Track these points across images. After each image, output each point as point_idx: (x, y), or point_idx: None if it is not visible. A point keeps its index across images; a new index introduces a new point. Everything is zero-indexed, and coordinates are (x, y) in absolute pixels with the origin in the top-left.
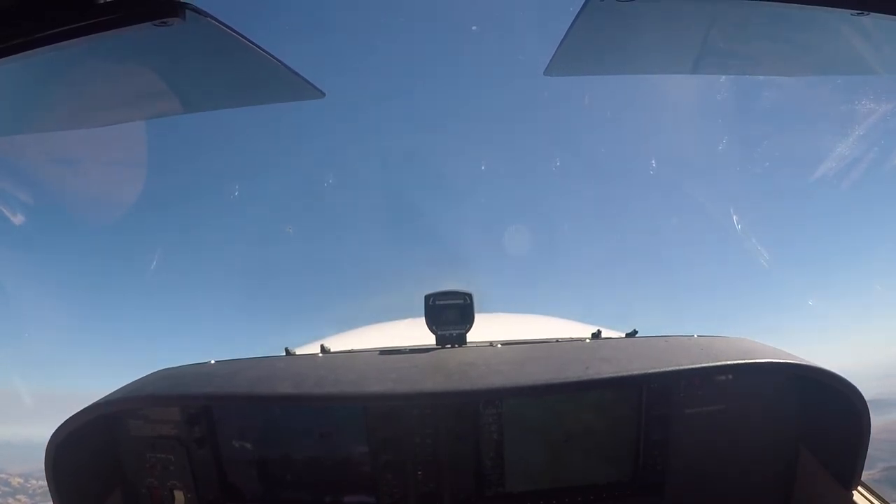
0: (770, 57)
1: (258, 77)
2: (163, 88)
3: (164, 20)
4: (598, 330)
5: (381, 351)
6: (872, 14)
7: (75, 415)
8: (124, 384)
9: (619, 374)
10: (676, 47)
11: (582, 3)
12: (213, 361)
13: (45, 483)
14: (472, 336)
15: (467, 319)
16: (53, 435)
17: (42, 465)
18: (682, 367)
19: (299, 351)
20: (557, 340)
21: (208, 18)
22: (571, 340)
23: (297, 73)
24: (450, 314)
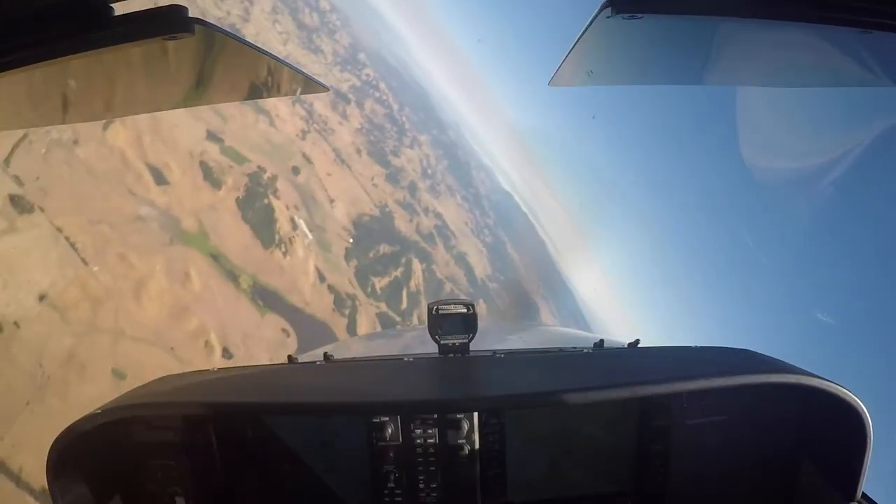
0: (775, 71)
1: (266, 78)
2: (174, 85)
3: (175, 35)
4: (601, 339)
5: (383, 359)
6: (876, 32)
7: (77, 421)
8: (126, 391)
9: (621, 385)
10: (682, 62)
11: (590, 20)
12: (215, 368)
13: None
14: (475, 345)
15: (470, 328)
16: (55, 441)
17: None
18: (683, 380)
19: (302, 358)
20: (560, 350)
21: (216, 31)
22: (574, 350)
23: (302, 72)
24: (453, 323)
